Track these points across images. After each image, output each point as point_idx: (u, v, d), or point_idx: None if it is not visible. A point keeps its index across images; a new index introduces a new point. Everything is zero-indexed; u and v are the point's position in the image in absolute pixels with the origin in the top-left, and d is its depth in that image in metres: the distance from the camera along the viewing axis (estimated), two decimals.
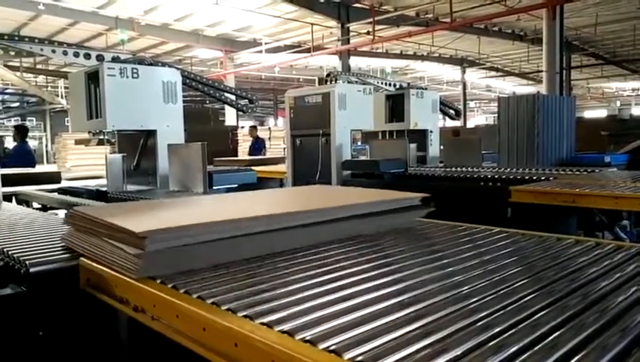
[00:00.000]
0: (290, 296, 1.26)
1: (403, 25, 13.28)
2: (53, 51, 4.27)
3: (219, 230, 1.60)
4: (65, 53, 4.23)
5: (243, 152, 12.29)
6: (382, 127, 6.84)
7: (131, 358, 1.76)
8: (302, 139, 6.08)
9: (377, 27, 12.74)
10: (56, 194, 4.15)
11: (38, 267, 1.67)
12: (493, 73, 22.75)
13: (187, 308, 1.23)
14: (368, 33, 13.13)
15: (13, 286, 1.66)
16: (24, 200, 4.22)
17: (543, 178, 4.26)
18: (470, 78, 23.26)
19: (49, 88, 19.78)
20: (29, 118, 25.52)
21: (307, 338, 1.00)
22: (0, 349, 1.59)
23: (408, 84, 7.38)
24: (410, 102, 6.66)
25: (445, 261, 1.62)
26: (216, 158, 8.18)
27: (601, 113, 28.25)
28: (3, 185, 4.45)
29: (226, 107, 13.82)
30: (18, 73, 12.28)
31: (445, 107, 7.92)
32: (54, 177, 5.31)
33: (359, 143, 7.92)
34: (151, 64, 4.28)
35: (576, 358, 0.91)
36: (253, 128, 12.31)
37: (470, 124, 24.30)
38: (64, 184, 5.00)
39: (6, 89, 21.97)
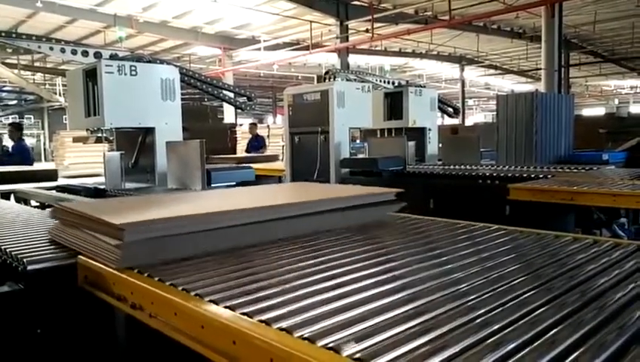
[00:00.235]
0: (289, 294, 1.26)
1: (402, 22, 13.26)
2: (51, 49, 4.26)
3: (194, 223, 1.69)
4: (63, 51, 4.22)
5: (242, 150, 12.27)
6: (380, 125, 6.84)
7: (129, 355, 1.76)
8: (300, 137, 6.07)
9: (376, 25, 12.72)
10: (54, 192, 4.14)
11: (35, 265, 1.66)
12: (491, 71, 22.75)
13: (185, 305, 1.23)
14: (367, 31, 13.11)
15: (10, 284, 1.66)
16: (22, 198, 4.21)
17: (541, 176, 4.27)
18: (469, 75, 23.24)
19: (47, 86, 19.73)
20: (26, 116, 25.46)
21: (306, 335, 1.00)
22: None
23: (407, 81, 7.38)
24: (408, 100, 6.66)
25: (444, 258, 1.62)
26: (212, 156, 8.16)
27: (599, 111, 28.27)
28: (1, 183, 4.45)
29: (225, 105, 13.79)
30: (16, 71, 12.24)
31: (444, 105, 7.92)
32: (51, 175, 5.30)
33: (358, 141, 7.92)
34: (149, 61, 4.27)
35: (574, 355, 0.91)
36: (253, 125, 12.17)
37: (469, 122, 24.27)
38: (62, 182, 4.99)
39: (4, 87, 21.91)
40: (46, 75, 18.98)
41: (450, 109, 8.24)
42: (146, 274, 1.47)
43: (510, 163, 6.37)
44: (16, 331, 1.62)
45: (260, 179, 5.96)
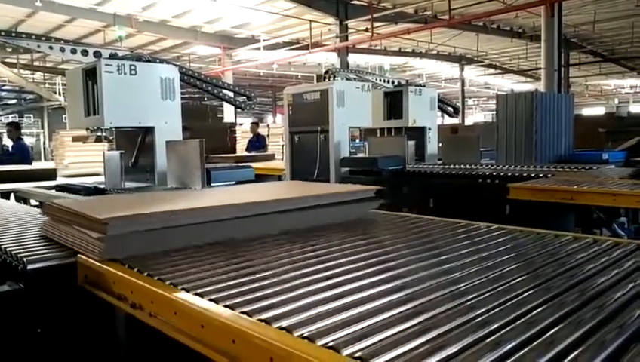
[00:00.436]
0: (288, 293, 1.26)
1: (401, 22, 13.26)
2: (51, 48, 4.25)
3: (175, 218, 1.79)
4: (62, 50, 4.22)
5: (241, 150, 12.25)
6: (380, 125, 6.83)
7: (129, 355, 1.76)
8: (300, 136, 6.07)
9: (376, 24, 12.71)
10: (54, 191, 4.13)
11: (35, 264, 1.66)
12: (491, 70, 22.74)
13: (185, 304, 1.23)
14: (367, 30, 13.10)
15: (10, 283, 1.66)
16: (22, 198, 4.21)
17: (541, 175, 4.27)
18: (468, 75, 23.24)
19: (46, 85, 19.72)
20: (26, 115, 25.45)
21: (305, 334, 1.00)
22: None
23: (407, 81, 7.38)
24: (408, 100, 6.65)
25: (443, 258, 1.63)
26: (209, 155, 8.14)
27: (599, 110, 28.27)
28: (0, 182, 4.45)
29: (225, 104, 13.79)
30: (15, 70, 12.21)
31: (444, 104, 7.91)
32: (50, 174, 5.29)
33: (357, 140, 7.92)
34: (149, 61, 4.27)
35: (573, 354, 0.92)
36: (255, 125, 11.95)
37: (468, 122, 24.26)
38: (62, 181, 4.98)
39: (3, 86, 21.89)
40: (45, 74, 18.97)
41: (450, 109, 8.23)
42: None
43: (510, 162, 6.38)
44: (17, 330, 1.62)
45: (260, 179, 5.96)
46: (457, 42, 16.75)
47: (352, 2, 13.25)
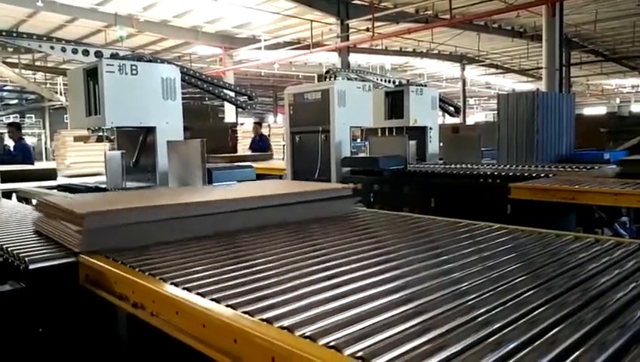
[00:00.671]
0: (290, 293, 1.26)
1: (402, 22, 13.24)
2: (52, 48, 4.26)
3: (150, 213, 1.91)
4: (63, 50, 4.22)
5: (243, 150, 12.23)
6: (381, 124, 6.83)
7: (131, 354, 1.76)
8: (301, 136, 6.07)
9: (377, 24, 12.69)
10: (55, 191, 4.14)
11: (37, 264, 1.67)
12: (492, 70, 22.70)
13: (187, 304, 1.23)
14: (368, 30, 13.09)
15: (12, 283, 1.66)
16: (23, 198, 4.22)
17: (542, 175, 4.26)
18: (470, 75, 23.20)
19: (48, 85, 19.73)
20: (27, 115, 25.46)
21: (307, 334, 1.00)
22: (0, 345, 1.59)
23: (408, 80, 7.38)
24: (409, 99, 6.65)
25: (444, 257, 1.62)
26: (208, 155, 8.13)
27: (600, 110, 28.22)
28: (1, 182, 4.45)
29: (226, 104, 13.79)
30: (17, 70, 12.23)
31: (445, 104, 7.91)
32: (50, 174, 5.30)
33: (359, 140, 7.91)
34: (150, 61, 4.27)
35: (575, 354, 0.91)
36: (258, 125, 11.69)
37: (470, 121, 24.22)
38: (64, 181, 4.99)
39: (5, 86, 21.90)
40: (47, 74, 18.98)
41: (451, 108, 8.23)
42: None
43: (511, 162, 6.37)
44: (18, 330, 1.62)
45: (262, 178, 5.97)
46: (458, 42, 16.73)
47: (353, 2, 13.24)
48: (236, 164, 6.45)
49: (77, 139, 5.06)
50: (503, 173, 4.53)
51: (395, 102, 6.83)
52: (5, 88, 22.56)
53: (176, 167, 3.94)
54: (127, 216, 1.85)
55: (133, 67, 4.01)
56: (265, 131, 12.68)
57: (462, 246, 1.78)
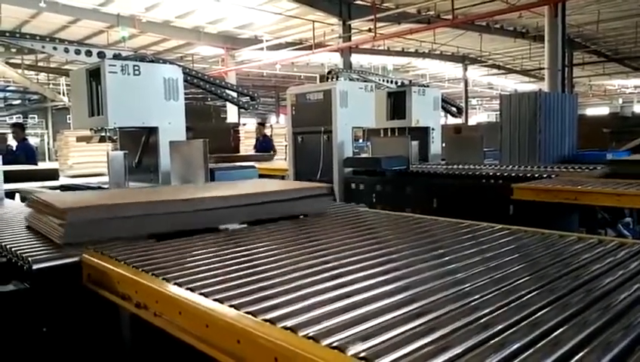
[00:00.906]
0: (293, 293, 1.26)
1: (404, 22, 13.23)
2: (55, 48, 4.27)
3: (128, 209, 2.04)
4: (66, 51, 4.23)
5: (246, 150, 12.23)
6: (383, 125, 6.83)
7: (134, 354, 1.76)
8: (303, 137, 6.07)
9: (379, 24, 12.69)
10: (58, 191, 4.15)
11: (40, 264, 1.67)
12: (494, 71, 22.67)
13: (190, 304, 1.23)
14: (370, 30, 13.08)
15: (16, 283, 1.66)
16: (26, 198, 4.22)
17: (544, 175, 4.25)
18: (472, 75, 23.17)
19: (50, 86, 19.76)
20: (30, 116, 25.52)
21: (310, 334, 1.00)
22: (4, 345, 1.59)
23: (410, 81, 7.37)
24: (411, 100, 6.65)
25: (447, 258, 1.62)
26: (210, 154, 8.12)
27: (603, 110, 28.15)
28: (4, 182, 4.46)
29: (228, 104, 13.78)
30: (20, 70, 12.24)
31: (447, 104, 7.90)
32: (52, 174, 5.31)
33: (361, 141, 7.91)
34: (152, 61, 4.28)
35: (578, 356, 0.91)
36: (261, 125, 11.66)
37: (472, 122, 24.19)
38: (66, 181, 5.00)
39: (8, 86, 21.97)
40: (50, 74, 19.03)
41: (454, 109, 8.22)
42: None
43: (514, 162, 6.35)
44: (22, 330, 1.63)
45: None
46: (460, 42, 16.71)
47: (355, 2, 13.24)
48: (238, 164, 6.45)
49: (79, 139, 5.08)
50: (506, 174, 4.53)
51: (398, 102, 6.83)
52: (8, 89, 22.62)
53: (178, 167, 3.95)
54: (105, 212, 2.00)
55: (136, 67, 4.01)
56: (267, 132, 12.68)
57: (464, 247, 1.78)
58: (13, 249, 1.81)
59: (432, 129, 6.94)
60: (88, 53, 4.20)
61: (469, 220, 2.29)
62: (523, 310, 1.13)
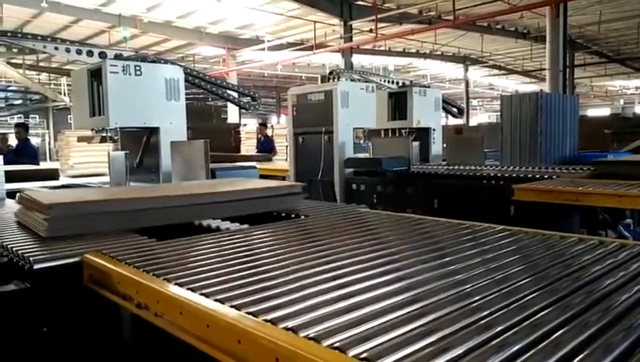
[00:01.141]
0: (294, 294, 1.27)
1: (405, 22, 13.23)
2: (56, 48, 4.28)
3: (108, 206, 2.19)
4: (68, 51, 4.24)
5: (247, 150, 12.24)
6: (384, 125, 6.83)
7: (135, 354, 1.77)
8: (304, 137, 6.07)
9: (380, 25, 12.69)
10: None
11: (41, 264, 1.67)
12: (495, 71, 22.66)
13: (191, 304, 1.24)
14: (371, 31, 13.08)
15: (17, 283, 1.67)
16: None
17: (545, 176, 4.25)
18: (473, 76, 23.17)
19: (52, 86, 19.78)
20: (31, 116, 25.51)
21: (311, 335, 1.00)
22: (5, 345, 1.60)
23: (411, 82, 7.37)
24: (412, 100, 6.65)
25: (448, 259, 1.62)
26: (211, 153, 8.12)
27: (604, 111, 28.13)
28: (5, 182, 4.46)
29: (229, 105, 13.79)
30: (21, 70, 12.27)
31: (448, 105, 7.91)
32: (53, 174, 5.30)
33: (362, 141, 7.92)
34: (153, 61, 4.28)
35: (579, 357, 0.91)
36: (263, 126, 11.67)
37: (473, 122, 24.18)
38: (67, 181, 5.00)
39: (9, 86, 21.99)
40: (51, 74, 19.06)
41: (455, 109, 8.22)
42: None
43: (515, 163, 6.34)
44: (23, 330, 1.63)
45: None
46: (462, 43, 16.70)
47: (357, 3, 13.25)
48: (239, 164, 6.45)
49: (81, 139, 5.09)
50: (507, 175, 4.52)
51: (399, 103, 6.83)
52: (10, 89, 22.65)
53: (179, 167, 3.95)
54: (86, 207, 2.14)
55: (137, 68, 4.02)
56: (268, 132, 12.71)
57: (465, 248, 1.78)
58: (14, 249, 1.81)
59: (433, 129, 6.94)
60: (90, 54, 4.21)
61: (470, 221, 2.29)
62: (524, 311, 1.13)
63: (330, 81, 6.14)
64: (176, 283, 1.38)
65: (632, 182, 3.53)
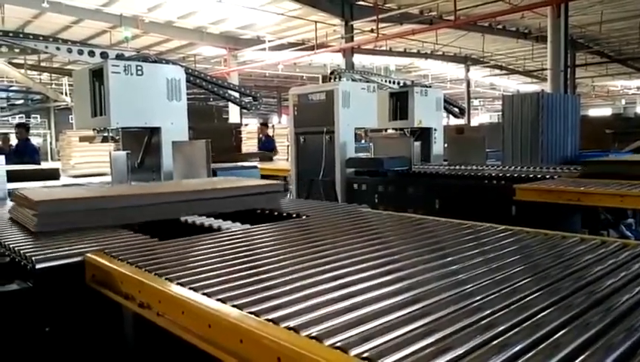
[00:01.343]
0: (296, 293, 1.27)
1: (407, 23, 13.22)
2: (58, 49, 4.29)
3: (91, 203, 2.32)
4: (69, 51, 4.25)
5: (247, 150, 12.24)
6: (386, 125, 6.83)
7: (137, 354, 1.77)
8: (306, 137, 6.08)
9: (381, 25, 12.68)
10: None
11: (44, 263, 1.68)
12: (497, 71, 22.64)
13: (193, 304, 1.24)
14: (372, 31, 13.08)
15: (19, 282, 1.67)
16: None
17: (547, 176, 4.25)
18: (474, 76, 23.14)
19: (53, 86, 19.80)
20: (33, 116, 25.54)
21: (313, 334, 1.01)
22: (7, 344, 1.60)
23: (412, 82, 7.38)
24: (414, 100, 6.65)
25: (449, 259, 1.62)
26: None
27: (605, 111, 28.11)
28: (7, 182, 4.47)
29: (230, 104, 13.80)
30: (22, 70, 12.29)
31: (449, 105, 7.90)
32: (53, 173, 5.31)
33: (363, 141, 7.93)
34: (155, 61, 4.29)
35: (580, 358, 0.91)
36: (264, 125, 11.76)
37: (474, 122, 24.15)
38: (68, 181, 5.01)
39: (10, 86, 22.02)
40: (52, 74, 19.07)
41: (456, 109, 8.22)
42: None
43: (516, 163, 6.33)
44: (25, 329, 1.63)
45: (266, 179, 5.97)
46: (463, 43, 16.69)
47: (358, 3, 13.24)
48: (240, 164, 6.46)
49: (82, 139, 5.09)
50: (508, 175, 4.52)
51: (400, 103, 6.83)
52: (11, 89, 22.67)
53: (181, 167, 3.96)
54: (72, 204, 2.26)
55: (139, 68, 4.03)
56: (269, 132, 12.74)
57: (466, 248, 1.78)
58: (16, 248, 1.81)
59: (435, 129, 6.94)
60: (91, 54, 4.22)
61: (471, 221, 2.29)
62: (525, 311, 1.13)
63: (332, 80, 6.15)
64: (178, 283, 1.38)
65: (633, 181, 3.53)
